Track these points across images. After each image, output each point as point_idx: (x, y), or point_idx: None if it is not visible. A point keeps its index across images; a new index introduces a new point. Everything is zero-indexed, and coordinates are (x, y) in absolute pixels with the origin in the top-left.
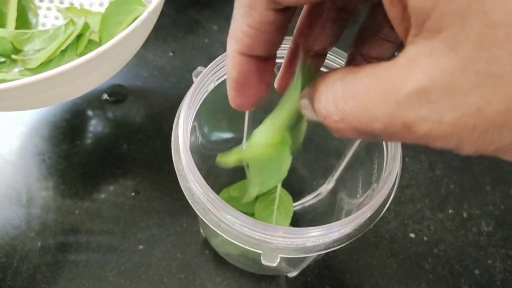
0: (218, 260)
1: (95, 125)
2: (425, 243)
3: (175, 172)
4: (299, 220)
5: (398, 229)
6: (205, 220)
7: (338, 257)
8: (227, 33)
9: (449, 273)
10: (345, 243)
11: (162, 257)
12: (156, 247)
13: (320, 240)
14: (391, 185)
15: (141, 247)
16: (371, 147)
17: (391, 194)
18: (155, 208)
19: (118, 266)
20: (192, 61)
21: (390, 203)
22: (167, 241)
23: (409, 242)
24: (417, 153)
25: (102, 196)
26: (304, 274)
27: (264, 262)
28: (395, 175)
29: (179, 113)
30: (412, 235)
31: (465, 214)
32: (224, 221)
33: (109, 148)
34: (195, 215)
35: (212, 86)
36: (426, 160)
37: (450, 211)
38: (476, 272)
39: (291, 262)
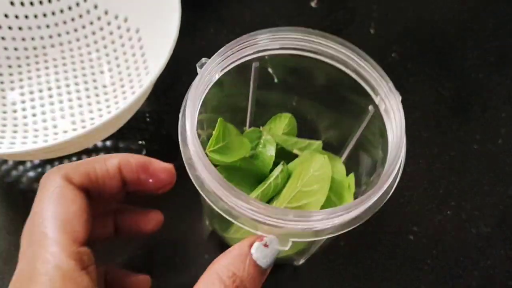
0: None
1: None
2: (424, 245)
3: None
4: None
5: (397, 231)
6: (215, 208)
7: (336, 260)
8: (224, 35)
9: (448, 275)
10: (353, 226)
11: (162, 261)
12: (155, 250)
13: (329, 224)
14: (397, 168)
15: (139, 252)
16: (375, 135)
17: (397, 176)
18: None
19: None
20: (188, 63)
21: (388, 205)
22: (167, 244)
23: (408, 244)
24: (415, 154)
25: None
26: (303, 278)
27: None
28: (400, 159)
29: (185, 103)
30: (411, 236)
31: (464, 215)
32: (235, 207)
33: None
34: (196, 217)
35: (216, 77)
36: (424, 161)
37: (449, 212)
38: (476, 273)
39: (299, 250)
